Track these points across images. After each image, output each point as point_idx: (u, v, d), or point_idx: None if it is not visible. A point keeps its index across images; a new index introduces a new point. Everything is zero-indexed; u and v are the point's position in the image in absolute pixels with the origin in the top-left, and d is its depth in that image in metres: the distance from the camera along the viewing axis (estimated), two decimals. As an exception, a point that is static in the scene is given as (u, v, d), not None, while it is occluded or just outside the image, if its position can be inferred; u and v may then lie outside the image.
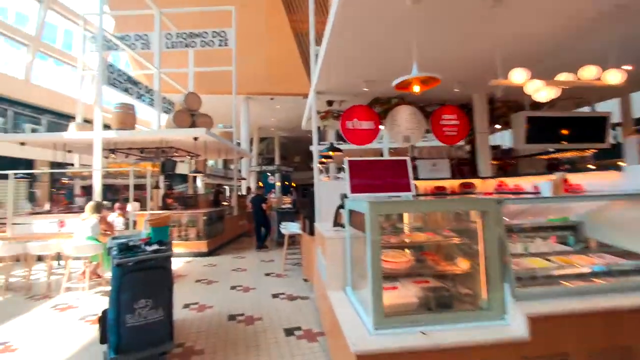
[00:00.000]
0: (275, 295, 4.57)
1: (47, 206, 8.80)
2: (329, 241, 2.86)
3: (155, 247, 2.90)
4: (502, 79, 3.44)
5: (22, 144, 8.16)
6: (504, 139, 8.67)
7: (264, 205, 8.37)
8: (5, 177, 6.53)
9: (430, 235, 2.47)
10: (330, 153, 7.87)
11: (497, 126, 6.34)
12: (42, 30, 13.20)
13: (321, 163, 10.23)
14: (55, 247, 5.00)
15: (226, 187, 23.13)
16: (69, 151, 8.96)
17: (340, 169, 13.94)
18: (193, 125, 8.14)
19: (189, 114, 8.14)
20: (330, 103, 5.69)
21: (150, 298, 2.69)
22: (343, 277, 2.72)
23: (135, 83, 9.31)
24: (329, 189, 4.47)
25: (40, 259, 5.98)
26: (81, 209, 6.12)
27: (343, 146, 10.14)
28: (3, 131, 11.22)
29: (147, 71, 11.14)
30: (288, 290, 4.80)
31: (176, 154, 9.70)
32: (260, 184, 23.81)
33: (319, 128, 5.59)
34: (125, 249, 2.84)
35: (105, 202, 6.54)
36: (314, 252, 4.04)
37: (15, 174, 6.75)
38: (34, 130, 12.28)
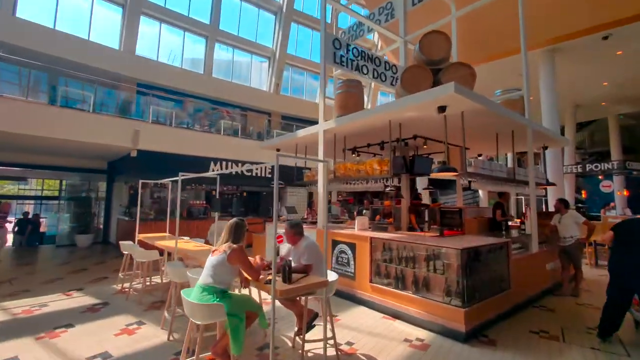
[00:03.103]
0: None
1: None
2: None
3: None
4: None
5: (278, 150, 8.09)
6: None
7: None
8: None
9: None
10: None
11: None
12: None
13: None
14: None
15: (521, 197, 16.74)
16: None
17: None
18: (437, 85, 4.56)
19: (427, 69, 4.67)
20: None
21: None
22: None
23: (371, 59, 7.09)
24: None
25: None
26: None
27: None
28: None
29: (393, 46, 8.80)
30: None
31: (425, 147, 6.46)
32: (584, 192, 15.32)
33: None
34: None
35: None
36: None
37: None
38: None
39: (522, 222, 6.62)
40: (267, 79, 17.04)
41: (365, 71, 7.01)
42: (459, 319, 3.60)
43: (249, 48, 16.41)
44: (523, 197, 17.86)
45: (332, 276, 3.39)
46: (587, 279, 6.16)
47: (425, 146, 6.41)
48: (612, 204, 12.78)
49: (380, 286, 4.53)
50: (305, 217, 9.08)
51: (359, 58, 6.91)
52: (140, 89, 11.91)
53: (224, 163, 10.42)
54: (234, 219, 2.87)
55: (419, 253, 4.22)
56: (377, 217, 7.84)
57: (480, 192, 16.23)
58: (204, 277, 2.62)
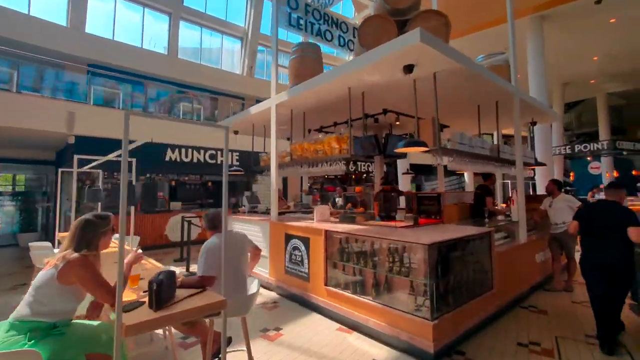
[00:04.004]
0: None
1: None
2: None
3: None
4: None
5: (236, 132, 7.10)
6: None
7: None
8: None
9: None
10: None
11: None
12: None
13: None
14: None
15: (507, 180, 16.16)
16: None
17: None
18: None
19: (390, 20, 3.74)
20: None
21: None
22: None
23: (336, 24, 6.13)
24: None
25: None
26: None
27: None
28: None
29: (365, 12, 7.83)
30: None
31: (397, 124, 5.60)
32: (572, 175, 14.77)
33: None
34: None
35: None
36: None
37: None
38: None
39: (508, 208, 5.88)
40: (239, 61, 15.85)
41: (329, 37, 6.05)
42: (427, 335, 2.78)
43: (218, 27, 15.15)
44: (510, 182, 17.31)
45: (252, 287, 2.51)
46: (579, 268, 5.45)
47: (397, 123, 5.54)
48: (601, 186, 12.23)
49: (336, 290, 3.69)
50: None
51: (322, 22, 5.92)
52: (92, 69, 10.68)
53: (183, 150, 9.38)
54: (85, 216, 1.94)
55: (380, 249, 3.38)
56: (349, 205, 7.00)
57: (465, 176, 15.54)
58: (20, 306, 1.71)
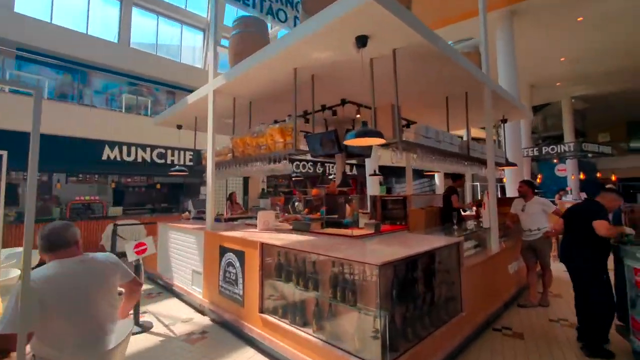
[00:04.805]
0: None
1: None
2: None
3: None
4: None
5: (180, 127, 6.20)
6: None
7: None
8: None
9: None
10: None
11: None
12: None
13: None
14: None
15: (476, 183, 16.09)
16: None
17: None
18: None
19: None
20: None
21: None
22: None
23: (291, 3, 5.41)
24: None
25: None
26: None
27: None
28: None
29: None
30: None
31: (358, 116, 4.96)
32: (539, 177, 14.87)
33: None
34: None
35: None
36: None
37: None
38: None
39: (478, 213, 5.40)
40: (202, 54, 14.79)
41: (282, 18, 5.32)
42: (377, 386, 2.09)
43: (177, 16, 14.02)
44: (479, 184, 17.29)
45: (120, 333, 1.69)
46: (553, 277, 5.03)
47: (358, 116, 4.89)
48: (568, 188, 12.30)
49: (273, 319, 2.93)
50: (224, 213, 7.31)
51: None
52: (23, 53, 9.33)
53: (125, 148, 8.28)
54: None
55: (324, 268, 2.66)
56: (306, 210, 6.27)
57: (436, 178, 15.29)
58: None
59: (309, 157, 8.48)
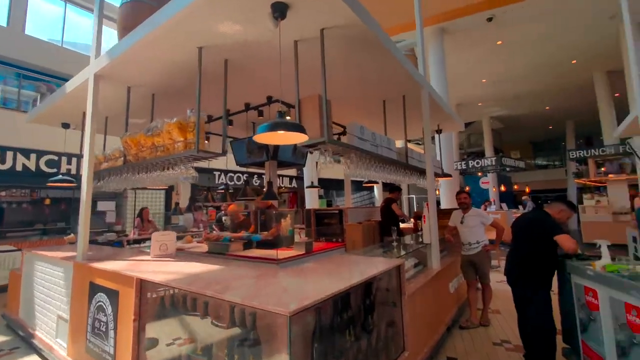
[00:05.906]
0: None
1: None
2: None
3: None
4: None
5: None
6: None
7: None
8: None
9: None
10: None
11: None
12: None
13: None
14: None
15: (412, 195, 16.59)
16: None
17: None
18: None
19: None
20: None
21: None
22: None
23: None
24: None
25: None
26: None
27: None
28: None
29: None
30: None
31: (288, 118, 4.31)
32: (467, 189, 15.95)
33: None
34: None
35: None
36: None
37: None
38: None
39: (417, 226, 5.10)
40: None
41: None
42: None
43: (86, 4, 12.19)
44: (415, 196, 17.91)
45: None
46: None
47: (288, 118, 4.24)
48: (492, 199, 13.22)
49: (151, 390, 2.03)
50: (131, 233, 6.04)
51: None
52: None
53: (-5, 153, 6.51)
54: None
55: (225, 314, 1.89)
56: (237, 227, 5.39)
57: (375, 190, 15.40)
58: None
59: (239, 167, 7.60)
